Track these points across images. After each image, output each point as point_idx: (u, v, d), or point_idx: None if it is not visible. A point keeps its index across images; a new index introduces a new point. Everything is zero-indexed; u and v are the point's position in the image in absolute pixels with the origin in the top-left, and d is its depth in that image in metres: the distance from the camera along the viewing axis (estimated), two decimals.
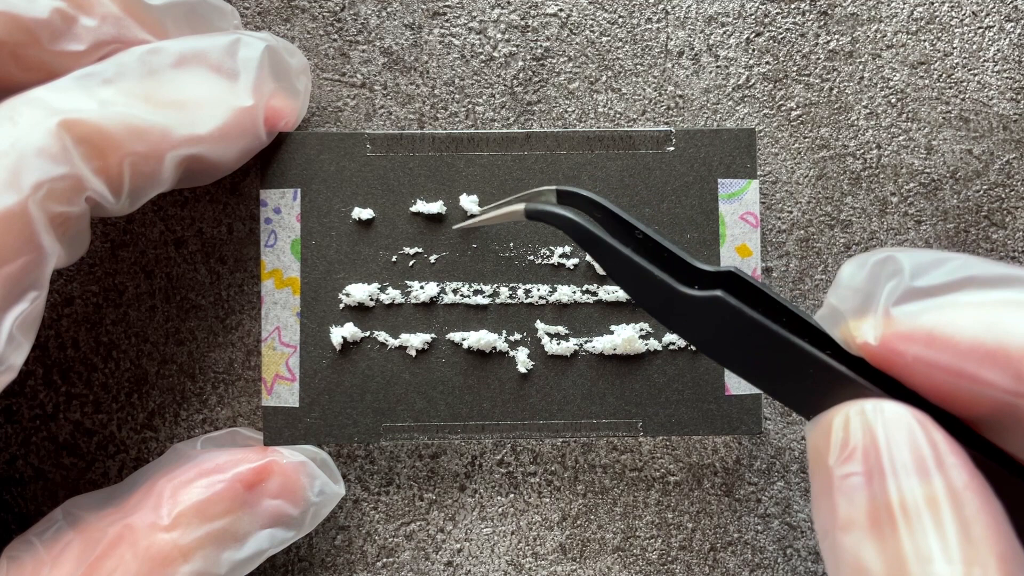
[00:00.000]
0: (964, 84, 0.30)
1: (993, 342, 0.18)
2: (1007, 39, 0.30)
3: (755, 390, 0.28)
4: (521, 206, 0.25)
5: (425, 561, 0.30)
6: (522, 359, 0.28)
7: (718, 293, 0.21)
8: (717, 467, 0.30)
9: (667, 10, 0.30)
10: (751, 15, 0.30)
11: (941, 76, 0.30)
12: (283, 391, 0.28)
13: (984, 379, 0.18)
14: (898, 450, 0.18)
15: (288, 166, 0.29)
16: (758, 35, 0.30)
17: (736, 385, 0.28)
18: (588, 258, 0.29)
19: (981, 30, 0.30)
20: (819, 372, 0.20)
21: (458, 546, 0.30)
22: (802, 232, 0.30)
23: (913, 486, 0.18)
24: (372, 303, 0.29)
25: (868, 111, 0.30)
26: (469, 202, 0.28)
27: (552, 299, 0.29)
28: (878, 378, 0.20)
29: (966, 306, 0.19)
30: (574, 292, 0.29)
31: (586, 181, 0.29)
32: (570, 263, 0.29)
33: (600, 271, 0.29)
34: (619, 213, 0.24)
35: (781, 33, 0.30)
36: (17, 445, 0.30)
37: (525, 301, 0.29)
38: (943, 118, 0.30)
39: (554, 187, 0.25)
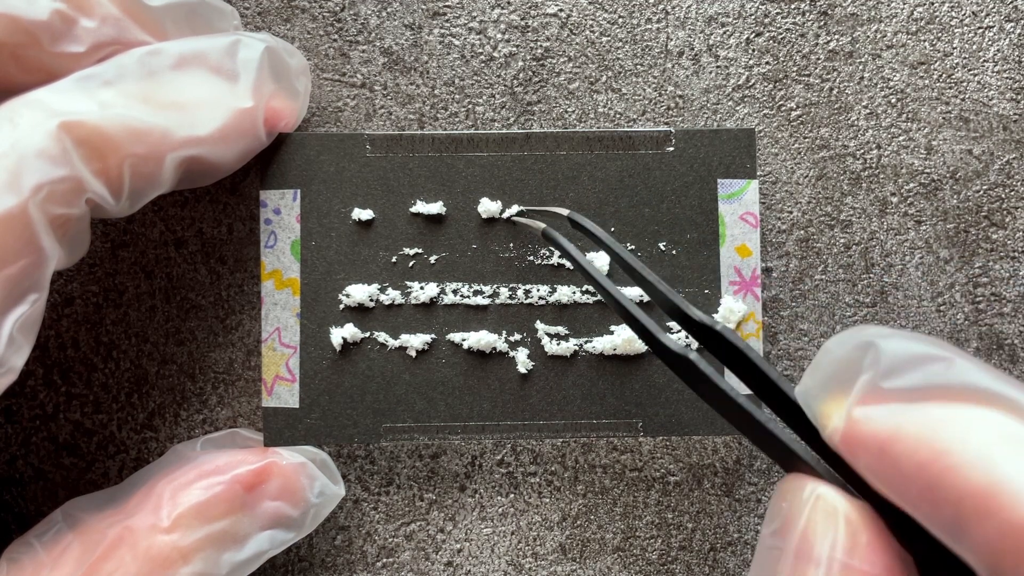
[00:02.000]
0: (964, 84, 0.30)
1: (935, 474, 0.17)
2: (1007, 39, 0.30)
3: None
4: (542, 226, 0.27)
5: (425, 561, 0.30)
6: (522, 359, 0.28)
7: (691, 356, 0.21)
8: (717, 467, 0.30)
9: (667, 10, 0.30)
10: (751, 15, 0.30)
11: (941, 76, 0.30)
12: (283, 392, 0.28)
13: (921, 511, 0.17)
14: (815, 539, 0.18)
15: (288, 167, 0.29)
16: (758, 35, 0.30)
17: (736, 385, 0.28)
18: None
19: (981, 30, 0.30)
20: (780, 445, 0.20)
21: (458, 546, 0.30)
22: (802, 232, 0.30)
23: None
24: (372, 304, 0.29)
25: (868, 111, 0.30)
26: (492, 205, 0.29)
27: (552, 299, 0.29)
28: None
29: (925, 423, 0.17)
30: (574, 292, 0.29)
31: (586, 181, 0.29)
32: (570, 263, 0.29)
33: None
34: (621, 254, 0.25)
35: (781, 33, 0.30)
36: (17, 445, 0.30)
37: (525, 301, 0.29)
38: (943, 118, 0.30)
39: (567, 212, 0.27)
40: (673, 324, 0.29)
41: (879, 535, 0.18)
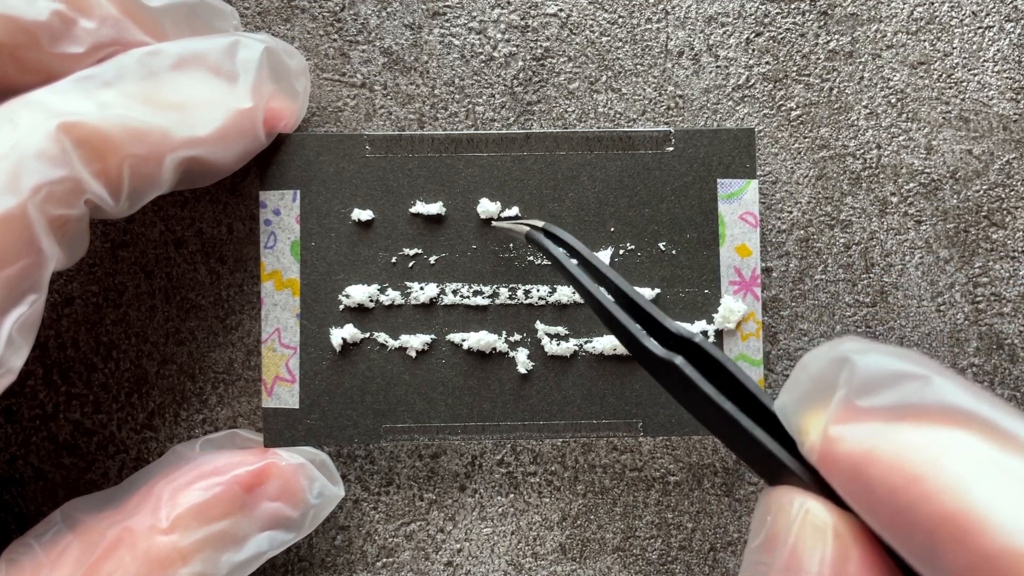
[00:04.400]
0: (964, 84, 0.30)
1: (909, 500, 0.16)
2: (1007, 39, 0.30)
3: None
4: (525, 229, 0.27)
5: (425, 561, 0.30)
6: (522, 360, 0.28)
7: (676, 360, 0.20)
8: (717, 467, 0.30)
9: (667, 10, 0.30)
10: (751, 15, 0.30)
11: (941, 76, 0.30)
12: (283, 392, 0.28)
13: (894, 536, 0.17)
14: (803, 555, 0.18)
15: (287, 167, 0.29)
16: (758, 35, 0.30)
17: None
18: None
19: (981, 30, 0.30)
20: (764, 453, 0.19)
21: (458, 546, 0.30)
22: (802, 232, 0.30)
23: None
24: (372, 304, 0.29)
25: (868, 111, 0.30)
26: (491, 205, 0.29)
27: (552, 299, 0.29)
28: None
29: (899, 446, 0.17)
30: (574, 293, 0.29)
31: (586, 181, 0.29)
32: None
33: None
34: (598, 266, 0.25)
35: (781, 33, 0.30)
36: (17, 445, 0.30)
37: (525, 302, 0.29)
38: (943, 118, 0.30)
39: (542, 224, 0.27)
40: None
41: (870, 550, 0.17)
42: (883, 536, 0.17)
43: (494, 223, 0.29)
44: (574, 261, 0.25)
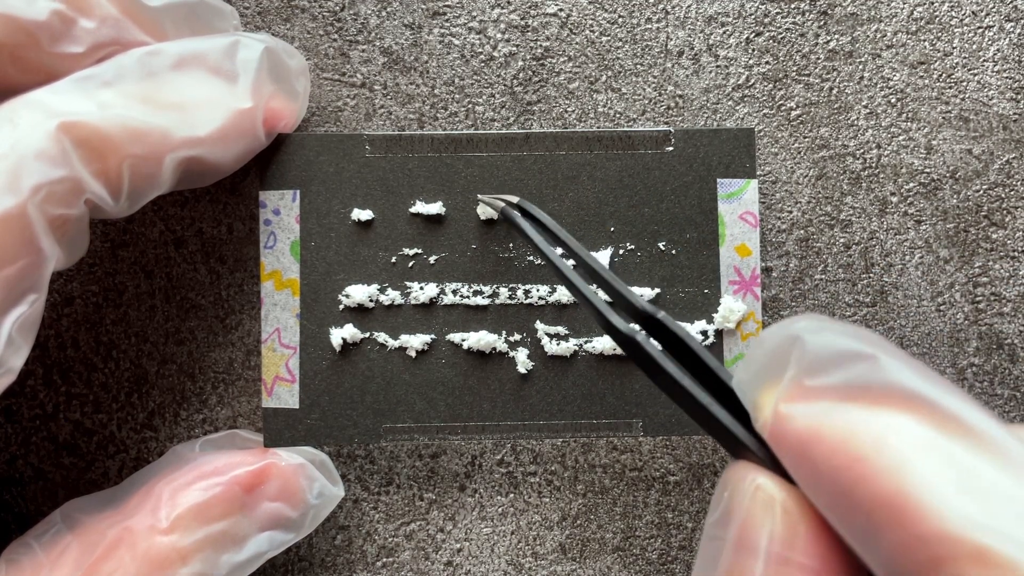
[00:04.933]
0: (964, 84, 0.30)
1: (850, 481, 0.16)
2: (1007, 39, 0.30)
3: None
4: (501, 205, 0.27)
5: (425, 561, 0.30)
6: (522, 359, 0.28)
7: (638, 337, 0.21)
8: (717, 467, 0.30)
9: (667, 10, 0.30)
10: (751, 15, 0.30)
11: (941, 76, 0.30)
12: (283, 392, 0.28)
13: (835, 516, 0.17)
14: (753, 531, 0.18)
15: (287, 167, 0.29)
16: (758, 35, 0.30)
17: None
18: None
19: (981, 30, 0.30)
20: (723, 428, 0.20)
21: (458, 546, 0.30)
22: (802, 232, 0.30)
23: (755, 571, 0.17)
24: (372, 304, 0.29)
25: (868, 111, 0.30)
26: (487, 210, 0.29)
27: (552, 299, 0.29)
28: None
29: (844, 426, 0.17)
30: None
31: (586, 181, 0.29)
32: (569, 263, 0.29)
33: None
34: (567, 241, 0.25)
35: (781, 33, 0.30)
36: (17, 445, 0.30)
37: (525, 301, 0.29)
38: (943, 118, 0.30)
39: (516, 199, 0.27)
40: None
41: (819, 526, 0.18)
42: (826, 516, 0.17)
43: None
44: (540, 236, 0.26)
